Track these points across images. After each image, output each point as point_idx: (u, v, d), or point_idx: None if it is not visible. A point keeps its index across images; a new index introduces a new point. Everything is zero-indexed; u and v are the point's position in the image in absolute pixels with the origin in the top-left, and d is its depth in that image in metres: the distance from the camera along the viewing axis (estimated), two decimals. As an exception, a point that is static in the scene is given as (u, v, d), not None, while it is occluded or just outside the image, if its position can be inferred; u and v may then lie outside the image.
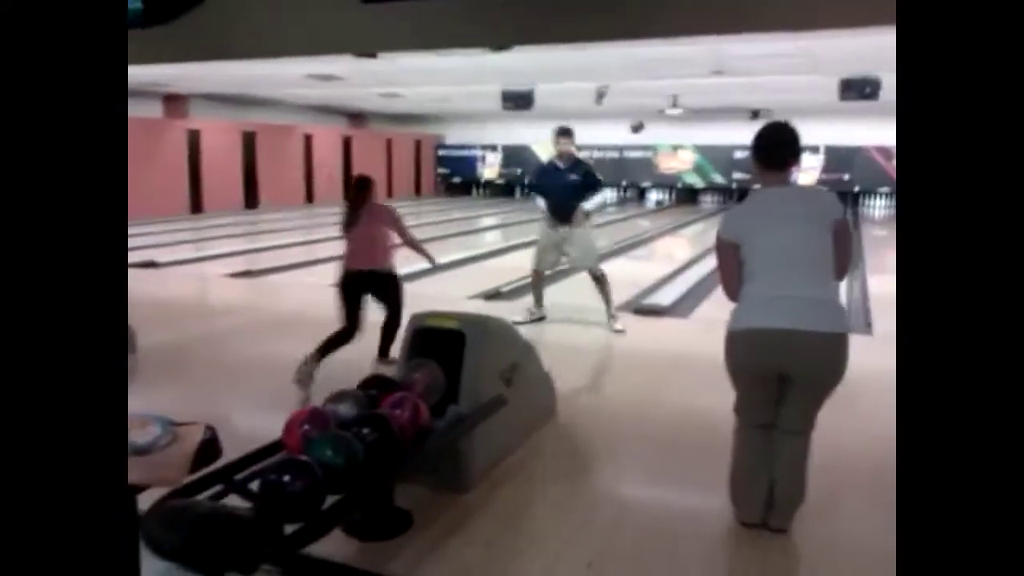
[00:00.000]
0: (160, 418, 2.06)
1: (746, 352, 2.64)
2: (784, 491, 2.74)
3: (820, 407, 2.70)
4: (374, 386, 3.04)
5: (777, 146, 2.75)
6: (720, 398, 4.43)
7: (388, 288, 4.87)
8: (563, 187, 5.94)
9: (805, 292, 2.53)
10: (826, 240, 2.60)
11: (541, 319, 6.19)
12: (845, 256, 2.66)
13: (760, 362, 2.62)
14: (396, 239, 4.95)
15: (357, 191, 4.91)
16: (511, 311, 6.13)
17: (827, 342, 2.53)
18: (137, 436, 1.96)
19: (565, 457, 3.70)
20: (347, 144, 20.87)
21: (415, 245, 5.10)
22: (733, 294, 2.70)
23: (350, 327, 4.66)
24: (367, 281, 4.79)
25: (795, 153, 2.76)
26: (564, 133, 6.08)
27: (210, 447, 2.07)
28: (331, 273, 7.52)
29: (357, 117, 21.43)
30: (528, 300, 6.36)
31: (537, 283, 6.26)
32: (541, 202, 6.13)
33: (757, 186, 2.85)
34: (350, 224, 4.86)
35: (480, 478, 3.17)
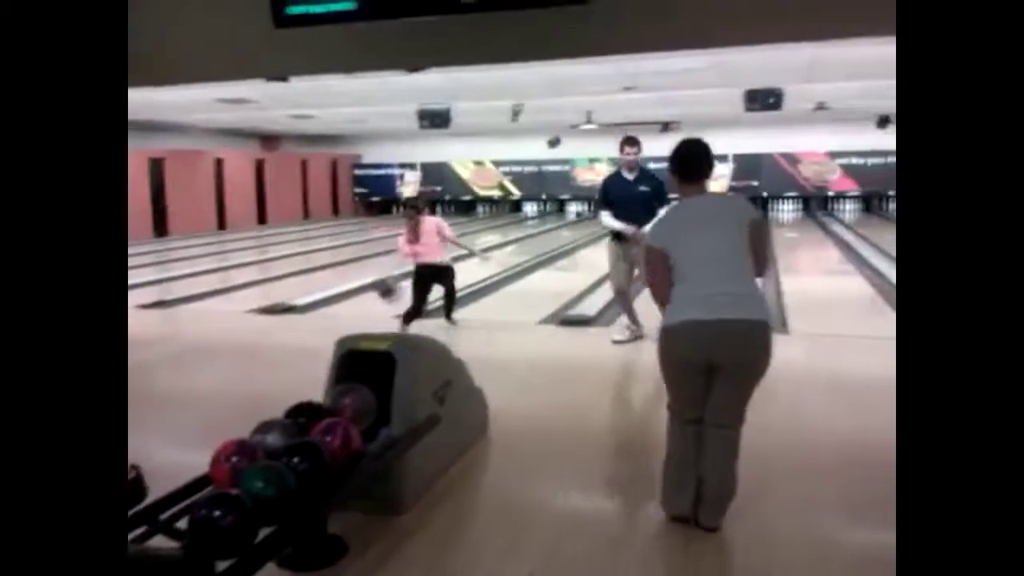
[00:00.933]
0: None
1: (681, 343, 2.83)
2: (713, 487, 2.85)
3: (747, 400, 2.83)
4: (302, 414, 2.98)
5: (694, 160, 3.02)
6: (650, 403, 4.53)
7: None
8: (632, 198, 5.75)
9: (730, 288, 2.77)
10: (744, 240, 2.85)
11: (640, 337, 5.90)
12: (763, 252, 2.92)
13: (694, 352, 2.79)
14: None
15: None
16: (437, 329, 6.11)
17: (751, 329, 2.75)
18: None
19: (500, 471, 3.71)
20: (260, 167, 20.40)
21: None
22: (662, 298, 2.92)
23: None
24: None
25: (710, 165, 3.05)
26: (630, 142, 5.88)
27: (135, 487, 1.99)
28: (249, 299, 7.32)
29: (269, 139, 21.01)
30: (457, 315, 6.34)
31: (624, 301, 6.05)
32: (608, 218, 5.88)
33: (675, 196, 3.10)
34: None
35: (415, 499, 3.15)
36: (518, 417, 4.45)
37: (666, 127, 18.50)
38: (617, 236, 5.88)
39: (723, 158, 19.95)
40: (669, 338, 2.85)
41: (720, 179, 20.15)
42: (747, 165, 19.94)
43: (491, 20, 3.31)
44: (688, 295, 2.80)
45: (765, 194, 20.01)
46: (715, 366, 2.77)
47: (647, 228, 5.54)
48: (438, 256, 6.41)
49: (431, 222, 6.45)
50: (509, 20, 3.32)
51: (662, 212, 5.72)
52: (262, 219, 20.12)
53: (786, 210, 20.38)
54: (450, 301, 6.68)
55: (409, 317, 6.38)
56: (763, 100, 11.42)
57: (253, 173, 20.13)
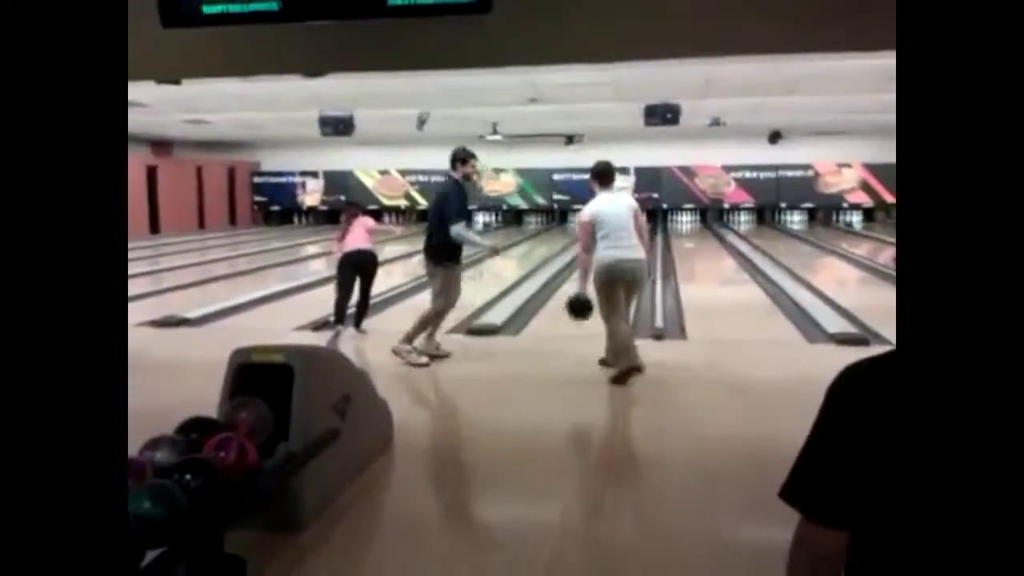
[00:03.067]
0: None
1: (611, 271, 5.10)
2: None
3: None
4: (195, 429, 2.85)
5: (608, 174, 5.44)
6: (554, 412, 4.58)
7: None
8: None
9: (630, 242, 5.15)
10: (632, 219, 5.23)
11: (423, 365, 5.71)
12: (643, 228, 5.31)
13: (618, 274, 5.10)
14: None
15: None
16: (344, 339, 5.99)
17: (642, 263, 5.19)
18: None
19: (404, 485, 3.66)
20: (152, 174, 19.51)
21: None
22: (587, 250, 5.25)
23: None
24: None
25: (613, 177, 5.49)
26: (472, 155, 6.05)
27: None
28: (139, 311, 6.98)
29: (161, 145, 20.13)
30: (365, 325, 6.20)
31: (437, 324, 6.00)
32: (473, 235, 6.27)
33: (598, 191, 5.38)
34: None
35: (314, 515, 3.06)
36: (423, 428, 4.41)
37: (570, 140, 18.87)
38: (458, 255, 5.82)
39: (625, 170, 20.50)
40: (606, 269, 5.10)
41: (622, 191, 20.68)
42: (648, 178, 20.55)
43: (396, 26, 3.29)
44: (612, 245, 5.11)
45: (665, 206, 20.66)
46: (626, 283, 5.12)
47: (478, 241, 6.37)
48: (366, 243, 6.73)
49: (365, 220, 6.99)
50: (412, 27, 3.31)
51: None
52: (155, 228, 19.25)
53: (684, 221, 21.09)
54: (363, 308, 6.83)
55: (341, 313, 6.66)
56: (662, 115, 11.82)
57: (144, 180, 19.23)
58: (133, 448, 2.66)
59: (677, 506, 3.25)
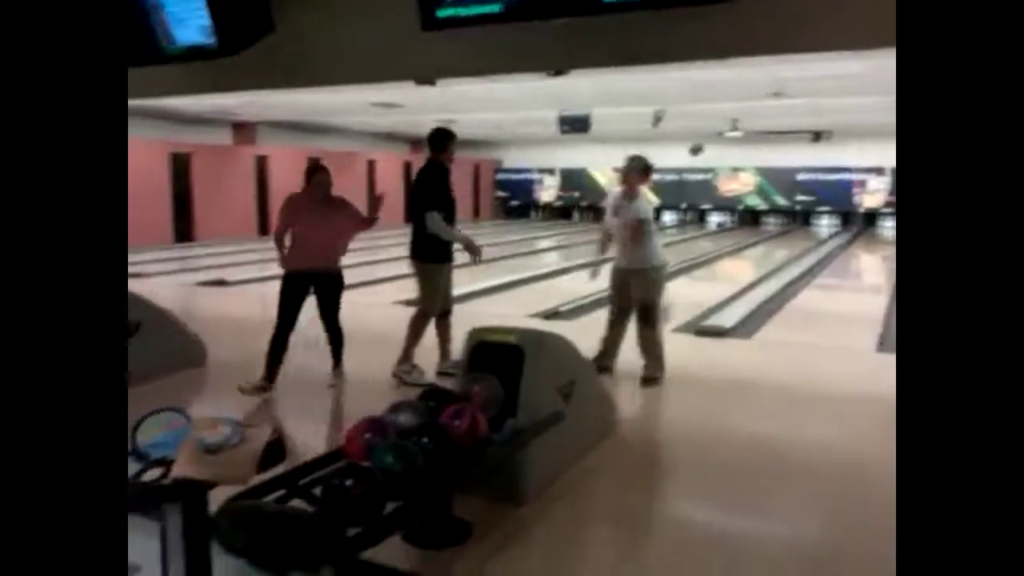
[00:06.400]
0: (230, 419, 2.15)
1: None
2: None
3: None
4: (434, 398, 3.10)
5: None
6: (782, 423, 4.36)
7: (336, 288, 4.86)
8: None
9: None
10: None
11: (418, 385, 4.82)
12: None
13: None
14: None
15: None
16: (569, 330, 6.14)
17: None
18: (207, 435, 2.05)
19: (622, 474, 3.68)
20: (407, 169, 21.28)
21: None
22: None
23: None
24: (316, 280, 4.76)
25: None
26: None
27: (276, 448, 2.16)
28: (389, 292, 7.66)
29: (417, 143, 21.85)
30: (586, 320, 6.33)
31: (420, 333, 5.25)
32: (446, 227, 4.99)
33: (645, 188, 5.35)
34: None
35: (537, 491, 3.19)
36: (648, 423, 4.41)
37: (817, 136, 17.69)
38: (447, 251, 5.08)
39: (879, 170, 18.81)
40: (665, 270, 5.18)
41: (877, 193, 19.03)
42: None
43: (633, 21, 3.31)
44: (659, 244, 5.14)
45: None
46: None
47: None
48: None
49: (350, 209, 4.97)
50: (651, 21, 3.31)
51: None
52: (407, 218, 20.96)
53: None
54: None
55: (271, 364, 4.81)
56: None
57: (401, 175, 21.04)
58: (380, 409, 2.97)
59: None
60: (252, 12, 3.89)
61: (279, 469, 2.38)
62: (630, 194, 5.11)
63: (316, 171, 4.82)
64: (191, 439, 2.09)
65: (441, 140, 5.04)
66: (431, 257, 5.00)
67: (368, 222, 4.97)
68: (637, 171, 5.13)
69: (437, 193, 4.94)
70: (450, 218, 5.00)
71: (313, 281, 4.74)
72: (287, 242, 4.75)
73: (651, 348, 5.00)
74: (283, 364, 4.73)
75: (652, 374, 4.95)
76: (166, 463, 2.09)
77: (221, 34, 3.88)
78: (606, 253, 5.31)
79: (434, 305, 5.05)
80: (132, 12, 3.79)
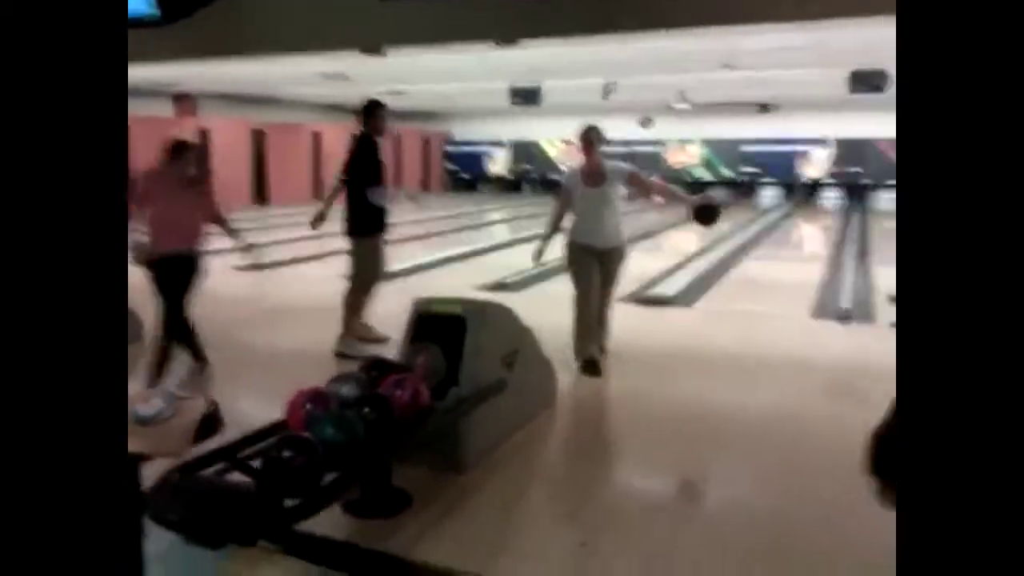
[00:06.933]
0: (164, 391, 2.12)
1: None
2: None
3: None
4: (376, 368, 3.10)
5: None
6: (725, 390, 4.46)
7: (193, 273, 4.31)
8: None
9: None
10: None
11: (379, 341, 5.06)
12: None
13: None
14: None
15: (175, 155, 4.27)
16: (515, 301, 6.17)
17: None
18: (140, 408, 2.02)
19: (563, 443, 3.74)
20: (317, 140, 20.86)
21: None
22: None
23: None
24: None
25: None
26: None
27: (211, 420, 2.13)
28: (338, 264, 7.57)
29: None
30: (532, 292, 6.36)
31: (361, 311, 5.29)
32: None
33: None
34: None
35: (478, 459, 3.22)
36: (587, 391, 4.47)
37: (764, 108, 17.95)
38: (379, 223, 5.05)
39: (822, 141, 19.19)
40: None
41: (817, 163, 19.44)
42: (851, 151, 19.10)
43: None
44: None
45: (869, 181, 19.13)
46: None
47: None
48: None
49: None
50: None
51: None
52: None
53: (891, 199, 19.44)
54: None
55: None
56: (869, 82, 10.90)
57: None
58: (322, 381, 2.96)
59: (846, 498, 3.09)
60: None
61: (216, 441, 2.35)
62: (597, 164, 4.77)
63: (183, 149, 4.35)
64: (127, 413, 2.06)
65: (370, 111, 5.00)
66: (367, 231, 4.98)
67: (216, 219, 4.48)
68: (601, 141, 4.84)
69: (368, 166, 4.92)
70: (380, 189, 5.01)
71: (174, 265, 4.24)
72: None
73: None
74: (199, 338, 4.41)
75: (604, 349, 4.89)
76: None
77: (163, 3, 3.77)
78: (556, 232, 4.93)
79: (372, 278, 5.05)
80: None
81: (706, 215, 4.74)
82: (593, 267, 4.71)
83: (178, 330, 4.30)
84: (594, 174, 4.77)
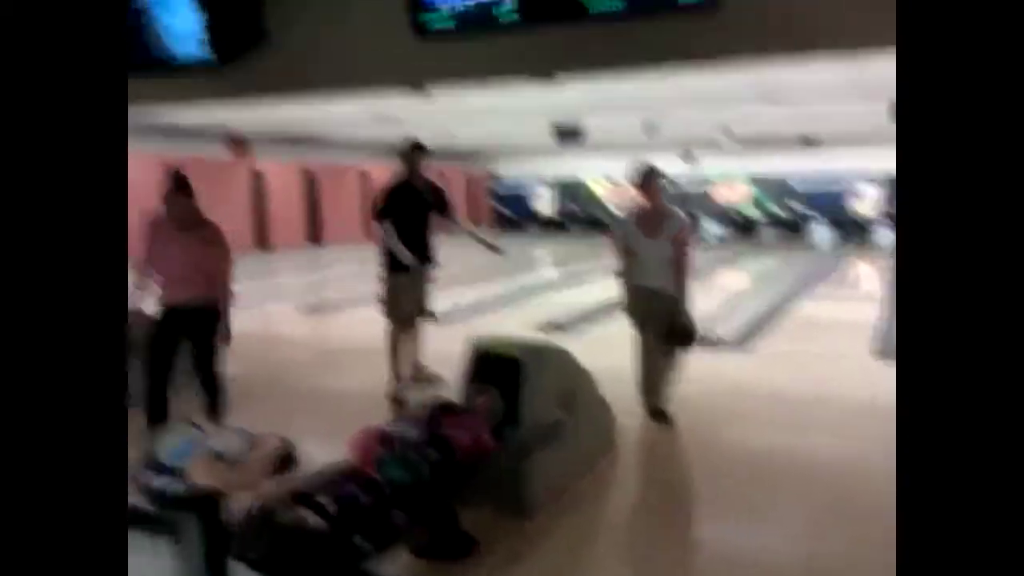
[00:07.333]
0: (238, 429, 2.20)
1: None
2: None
3: None
4: (438, 409, 3.14)
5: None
6: (781, 433, 4.38)
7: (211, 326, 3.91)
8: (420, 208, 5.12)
9: None
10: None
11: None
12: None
13: None
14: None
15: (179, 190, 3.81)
16: (569, 342, 6.16)
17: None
18: (220, 443, 2.09)
19: (626, 489, 3.70)
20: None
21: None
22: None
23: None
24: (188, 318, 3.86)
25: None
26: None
27: (287, 458, 2.20)
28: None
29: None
30: (587, 333, 6.27)
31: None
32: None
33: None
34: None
35: (542, 505, 3.21)
36: (646, 435, 4.43)
37: (808, 142, 17.77)
38: (398, 262, 4.96)
39: (872, 179, 18.87)
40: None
41: (868, 201, 19.10)
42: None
43: (622, 29, 3.42)
44: None
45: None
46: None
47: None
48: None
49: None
50: (640, 29, 3.42)
51: None
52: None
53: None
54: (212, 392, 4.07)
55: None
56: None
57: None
58: (381, 420, 3.00)
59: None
60: (245, 23, 4.06)
61: (287, 480, 2.41)
62: (660, 208, 4.36)
63: (184, 183, 3.89)
64: (205, 448, 2.14)
65: (407, 152, 5.10)
66: (388, 268, 5.04)
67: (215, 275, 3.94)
68: (659, 179, 4.42)
69: (387, 203, 4.99)
70: (408, 229, 4.96)
71: (184, 318, 3.88)
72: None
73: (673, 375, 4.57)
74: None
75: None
76: (182, 473, 2.13)
77: (217, 46, 4.01)
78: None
79: (392, 316, 5.08)
80: (129, 22, 3.95)
81: (683, 339, 4.43)
82: (651, 316, 4.39)
83: (209, 385, 3.95)
84: (654, 220, 4.34)
